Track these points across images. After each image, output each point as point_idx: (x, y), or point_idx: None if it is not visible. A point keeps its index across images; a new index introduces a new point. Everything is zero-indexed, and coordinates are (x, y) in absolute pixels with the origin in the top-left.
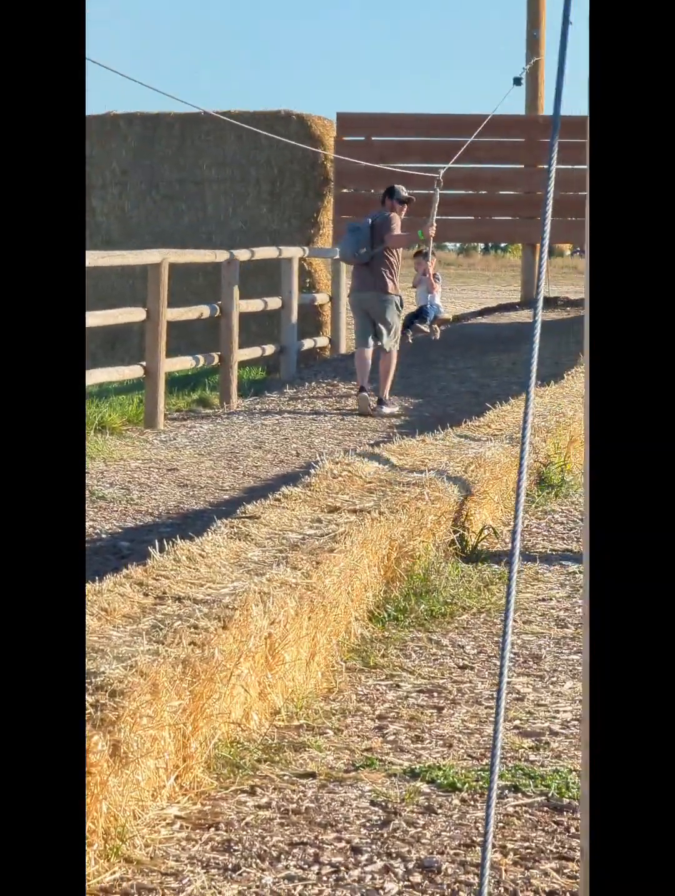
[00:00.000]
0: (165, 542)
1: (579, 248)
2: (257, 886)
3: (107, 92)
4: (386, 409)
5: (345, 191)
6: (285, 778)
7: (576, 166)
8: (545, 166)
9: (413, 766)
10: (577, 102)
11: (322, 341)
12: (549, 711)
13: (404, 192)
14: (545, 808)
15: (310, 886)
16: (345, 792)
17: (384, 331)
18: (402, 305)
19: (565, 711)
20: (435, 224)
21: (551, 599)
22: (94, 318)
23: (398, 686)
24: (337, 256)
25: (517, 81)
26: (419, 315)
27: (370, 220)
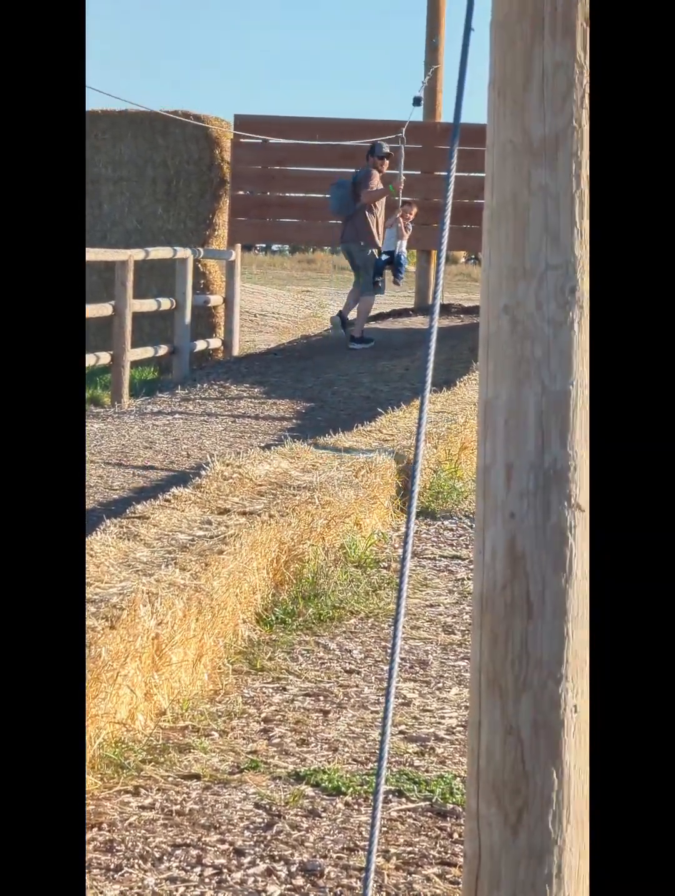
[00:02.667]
0: None
1: (474, 256)
2: (140, 887)
3: None
4: (355, 346)
5: (241, 192)
6: (170, 779)
7: (473, 173)
8: (443, 173)
9: (298, 770)
10: (476, 110)
11: (215, 343)
12: (434, 717)
13: (385, 147)
14: (429, 814)
15: (192, 888)
16: (229, 794)
17: (361, 275)
18: (379, 255)
19: (450, 717)
20: (404, 177)
21: (438, 605)
22: None
23: (285, 689)
24: (232, 258)
25: (417, 101)
26: (390, 261)
27: (354, 177)
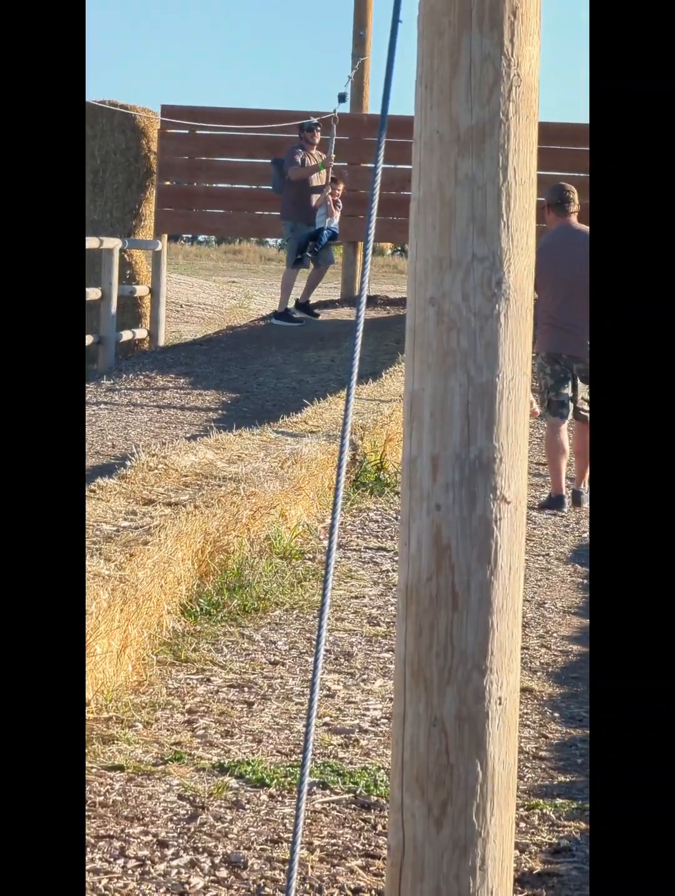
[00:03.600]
0: None
1: (401, 248)
2: None
3: None
4: (277, 322)
5: (168, 183)
6: (93, 770)
7: (399, 165)
8: (369, 165)
9: (222, 761)
10: (403, 103)
11: (141, 333)
12: (359, 709)
13: (313, 121)
14: (353, 806)
15: (115, 879)
16: (153, 786)
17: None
18: (293, 230)
19: (375, 709)
20: (333, 155)
21: (363, 597)
22: None
23: (209, 680)
24: (158, 248)
25: (342, 98)
26: (315, 236)
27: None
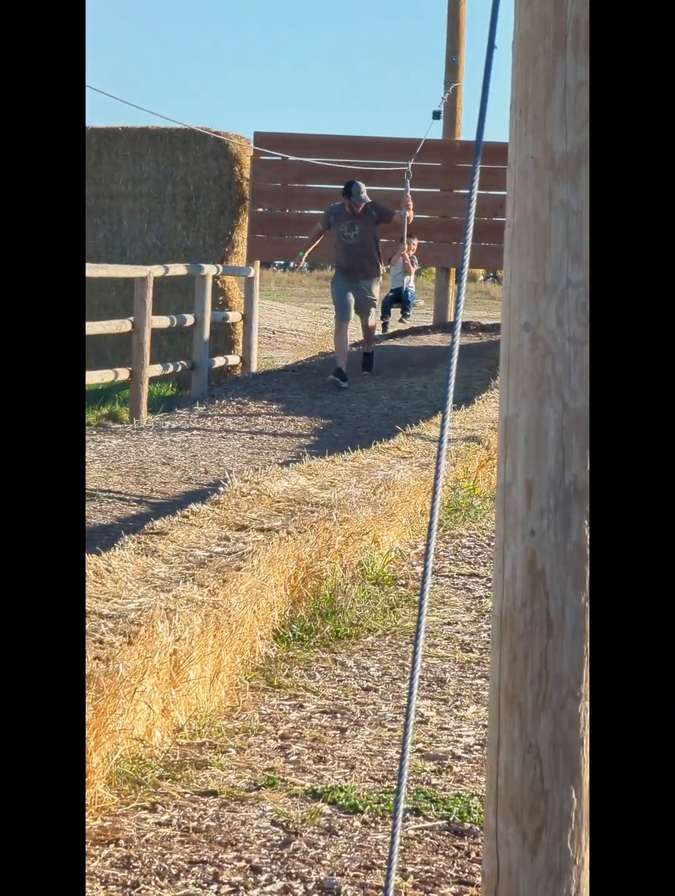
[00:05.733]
0: None
1: (493, 274)
2: None
3: None
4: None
5: (260, 210)
6: (187, 795)
7: (492, 192)
8: (462, 191)
9: (315, 787)
10: (497, 129)
11: (234, 359)
12: (452, 735)
13: (354, 187)
14: (446, 832)
15: None
16: (246, 811)
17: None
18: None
19: (468, 736)
20: (410, 209)
21: (456, 623)
22: None
23: (302, 706)
24: (250, 275)
25: (436, 115)
26: (398, 299)
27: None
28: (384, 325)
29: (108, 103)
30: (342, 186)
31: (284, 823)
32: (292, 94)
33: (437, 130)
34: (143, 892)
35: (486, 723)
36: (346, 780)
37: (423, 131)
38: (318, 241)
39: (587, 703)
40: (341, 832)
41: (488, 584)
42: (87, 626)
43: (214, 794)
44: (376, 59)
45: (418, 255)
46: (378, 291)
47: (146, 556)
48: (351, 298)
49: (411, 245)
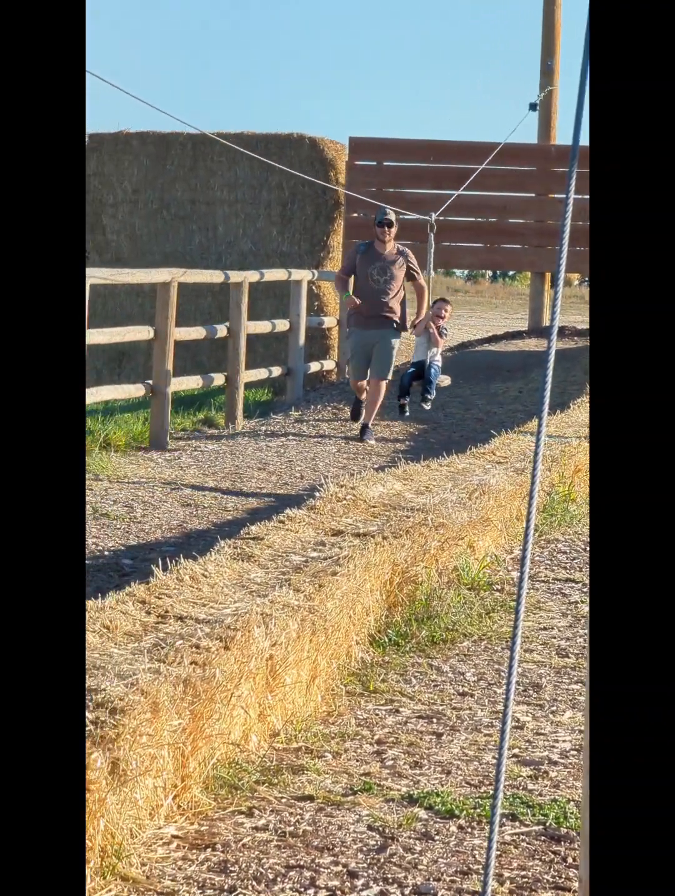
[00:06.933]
0: (168, 561)
1: (587, 278)
2: None
3: (119, 110)
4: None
5: (355, 215)
6: (283, 800)
7: (586, 196)
8: (557, 195)
9: (411, 792)
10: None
11: (329, 364)
12: (548, 740)
13: (384, 213)
14: (543, 838)
15: None
16: (342, 816)
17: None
18: (348, 336)
19: (564, 741)
20: (433, 268)
21: (552, 628)
22: (101, 336)
23: (398, 711)
24: None
25: (533, 107)
26: (419, 374)
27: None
28: (401, 408)
29: (206, 108)
30: (437, 192)
31: (381, 828)
32: (387, 99)
33: (531, 134)
34: None
35: (582, 728)
36: (442, 785)
37: (517, 135)
38: (351, 283)
39: None
40: (437, 837)
41: (584, 590)
42: (183, 630)
43: (310, 798)
44: (470, 62)
45: (512, 262)
46: (397, 349)
47: (242, 560)
48: (372, 353)
49: (445, 312)
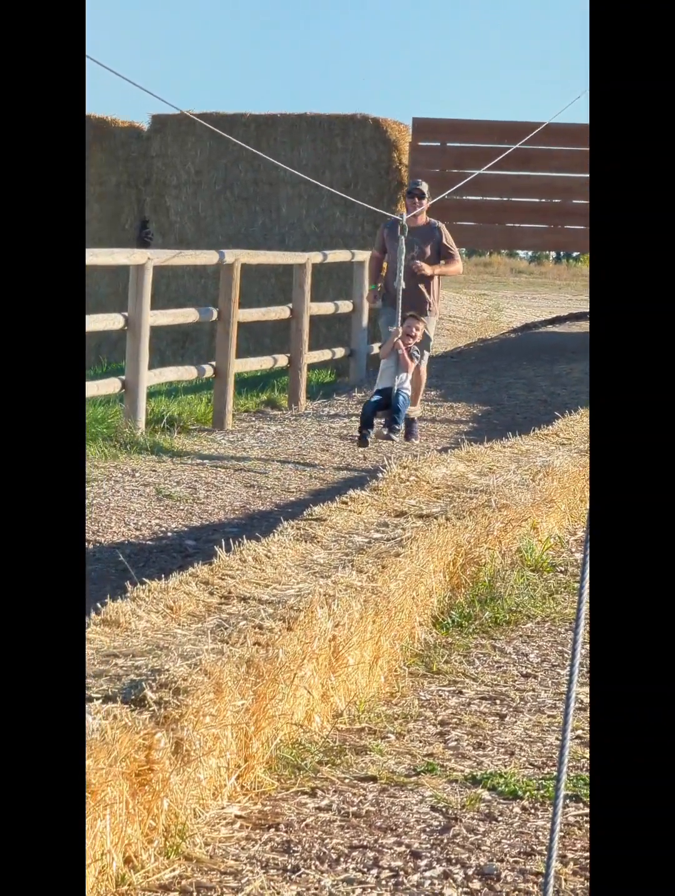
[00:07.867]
0: (231, 542)
1: None
2: (316, 888)
3: (183, 92)
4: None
5: None
6: (346, 781)
7: None
8: None
9: (474, 773)
10: None
11: None
12: None
13: (416, 184)
14: None
15: (369, 890)
16: (406, 796)
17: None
18: (380, 316)
19: None
20: (402, 278)
21: None
22: (164, 317)
23: (461, 692)
24: None
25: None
26: (386, 405)
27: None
28: (362, 439)
29: (264, 96)
30: (501, 172)
31: (444, 809)
32: (451, 79)
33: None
34: (303, 876)
35: None
36: (505, 767)
37: (582, 115)
38: (384, 269)
39: None
40: (500, 818)
41: None
42: (246, 611)
43: (373, 779)
44: (536, 43)
45: (576, 243)
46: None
47: (305, 541)
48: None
49: (415, 331)
